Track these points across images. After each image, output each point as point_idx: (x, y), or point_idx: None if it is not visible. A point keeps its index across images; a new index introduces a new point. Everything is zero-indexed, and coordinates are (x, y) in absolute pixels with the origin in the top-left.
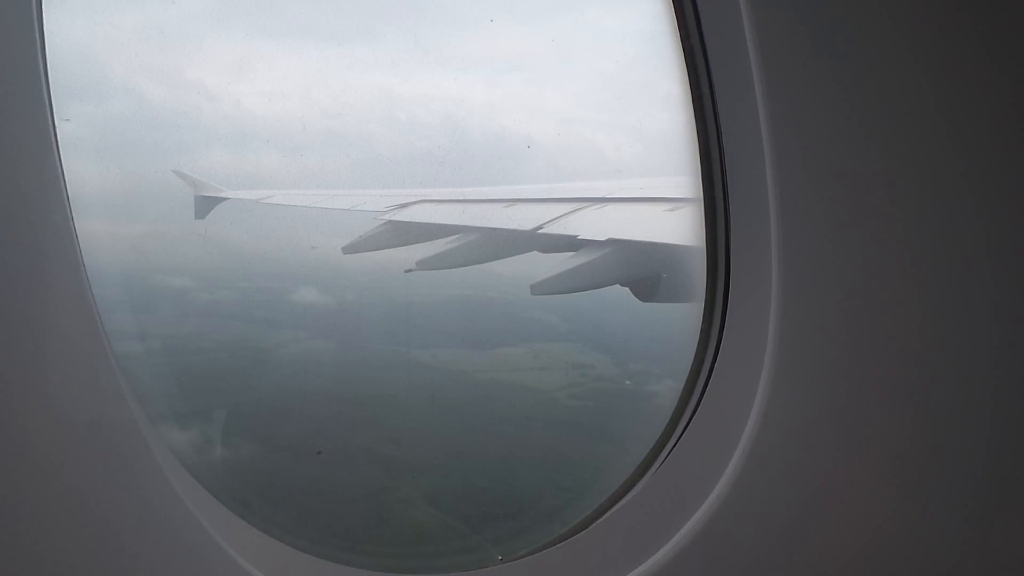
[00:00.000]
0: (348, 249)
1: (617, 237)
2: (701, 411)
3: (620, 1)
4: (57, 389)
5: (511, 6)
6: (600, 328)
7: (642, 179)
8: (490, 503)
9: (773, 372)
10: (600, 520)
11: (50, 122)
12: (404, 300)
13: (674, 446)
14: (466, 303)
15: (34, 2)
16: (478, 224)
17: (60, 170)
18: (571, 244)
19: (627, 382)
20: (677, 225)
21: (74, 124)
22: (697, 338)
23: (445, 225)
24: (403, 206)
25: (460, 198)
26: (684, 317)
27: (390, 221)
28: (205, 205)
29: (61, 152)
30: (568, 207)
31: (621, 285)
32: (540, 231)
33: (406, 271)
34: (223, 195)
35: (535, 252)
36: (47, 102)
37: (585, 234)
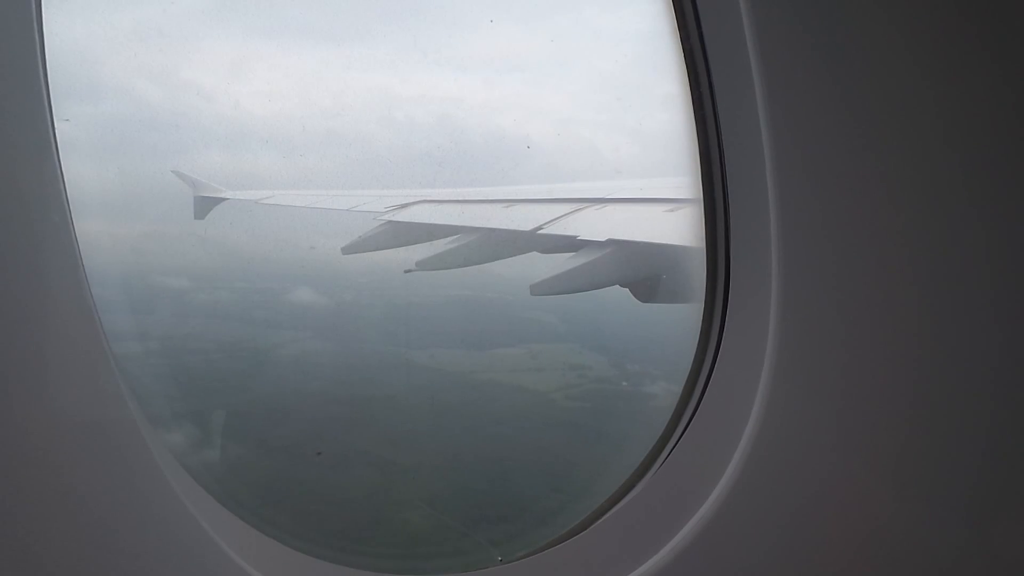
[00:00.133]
0: (348, 250)
1: (616, 238)
2: (701, 412)
3: (619, 1)
4: (56, 389)
5: (510, 5)
6: (598, 329)
7: (642, 180)
8: (485, 505)
9: (773, 372)
10: (600, 521)
11: (49, 122)
12: (403, 301)
13: (674, 447)
14: (465, 304)
15: (33, 2)
16: (478, 225)
17: (59, 170)
18: (571, 245)
19: (624, 383)
20: (677, 226)
21: (72, 124)
22: (696, 339)
23: (444, 226)
24: (402, 206)
25: (460, 198)
26: (682, 318)
27: (389, 221)
28: (204, 205)
29: (60, 152)
30: (568, 207)
31: (620, 286)
32: (540, 232)
33: (405, 272)
34: (222, 195)
35: (534, 253)
36: (46, 102)
37: (585, 235)
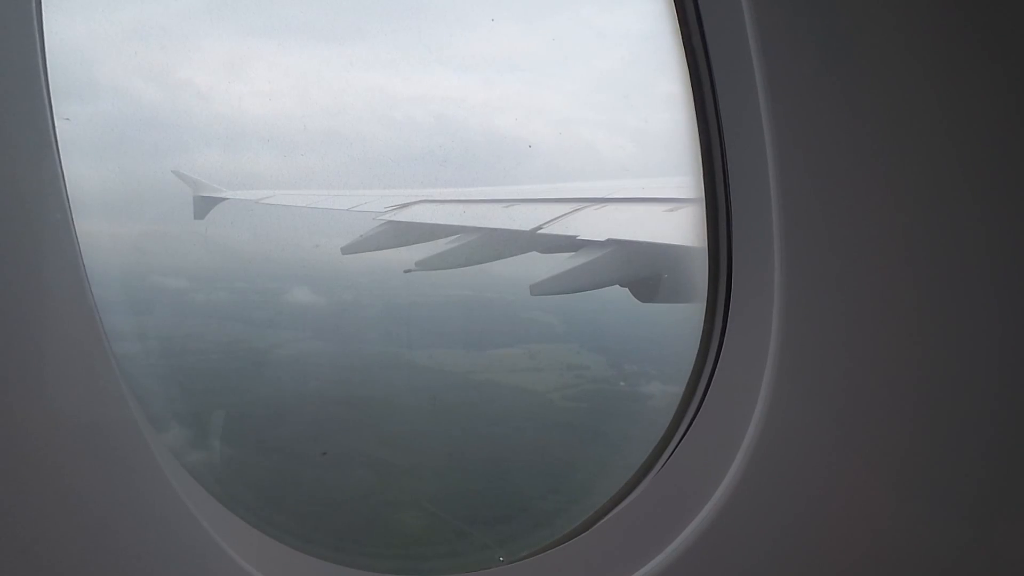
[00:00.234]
0: (347, 249)
1: (617, 237)
2: (703, 412)
3: (620, 0)
4: (57, 389)
5: (511, 4)
6: (597, 329)
7: (642, 180)
8: (480, 506)
9: (775, 373)
10: (602, 521)
11: (49, 121)
12: (401, 301)
13: (676, 447)
14: (465, 304)
15: (34, 0)
16: (478, 224)
17: (59, 169)
18: (570, 244)
19: (622, 383)
20: (677, 225)
21: (72, 123)
22: (694, 338)
23: (445, 225)
24: (402, 206)
25: (460, 198)
26: (682, 318)
27: (390, 221)
28: (204, 205)
29: (60, 151)
30: (568, 207)
31: (620, 286)
32: (539, 231)
33: (405, 271)
34: (222, 195)
35: (534, 252)
36: (46, 101)
37: (585, 234)
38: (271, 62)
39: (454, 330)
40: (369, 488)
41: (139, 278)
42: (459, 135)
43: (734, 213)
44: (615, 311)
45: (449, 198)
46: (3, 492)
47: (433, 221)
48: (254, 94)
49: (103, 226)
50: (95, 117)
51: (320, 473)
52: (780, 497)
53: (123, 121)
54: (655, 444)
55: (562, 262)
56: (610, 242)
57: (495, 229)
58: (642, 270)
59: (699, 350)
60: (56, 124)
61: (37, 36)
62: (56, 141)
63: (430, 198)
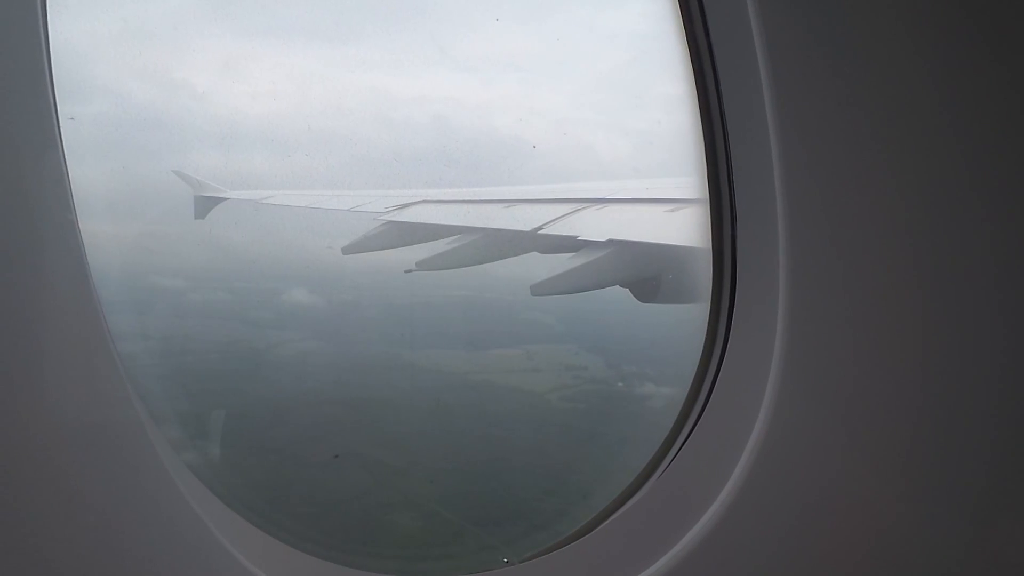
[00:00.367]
0: (348, 249)
1: (617, 238)
2: (708, 414)
3: (625, 1)
4: (61, 390)
5: (514, 5)
6: (596, 330)
7: (643, 180)
8: (475, 508)
9: (780, 375)
10: (606, 523)
11: (54, 120)
12: (400, 301)
13: (680, 449)
14: (464, 304)
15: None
16: (478, 225)
17: (64, 169)
18: (571, 245)
19: (619, 384)
20: (678, 226)
21: (74, 123)
22: (694, 338)
23: (445, 226)
24: (403, 206)
25: (460, 199)
26: (682, 319)
27: (390, 221)
28: (205, 205)
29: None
30: (568, 208)
31: (621, 286)
32: (540, 232)
33: (406, 271)
34: (223, 195)
35: (535, 253)
36: (51, 100)
37: (585, 235)
38: (273, 62)
39: (453, 331)
40: (364, 489)
41: (140, 278)
42: (460, 135)
43: (739, 214)
44: (615, 311)
45: (450, 198)
46: (8, 491)
47: (434, 221)
48: (256, 94)
49: (104, 226)
50: (95, 117)
51: (314, 473)
52: (785, 499)
53: (124, 121)
54: (652, 445)
55: (563, 262)
56: (611, 242)
57: (496, 229)
58: (643, 270)
59: (703, 351)
60: (61, 123)
61: (42, 36)
62: (61, 141)
63: (431, 198)
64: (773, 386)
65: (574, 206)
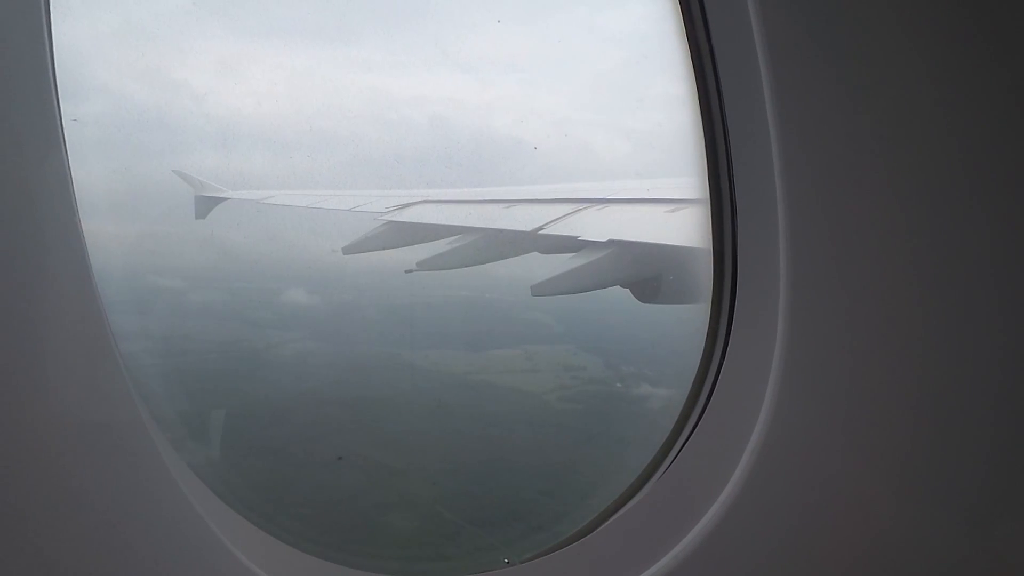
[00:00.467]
0: (349, 249)
1: (618, 238)
2: (708, 415)
3: (626, 1)
4: (64, 389)
5: (515, 5)
6: (596, 330)
7: (644, 180)
8: (470, 509)
9: (781, 376)
10: (607, 524)
11: (58, 121)
12: (401, 301)
13: (681, 450)
14: (464, 304)
15: (42, 1)
16: (479, 225)
17: (67, 170)
18: (572, 245)
19: (618, 384)
20: (678, 226)
21: (76, 124)
22: (694, 339)
23: (446, 226)
24: (404, 206)
25: (461, 199)
26: (681, 319)
27: (391, 221)
28: (206, 205)
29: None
30: (569, 208)
31: (622, 286)
32: (541, 232)
33: (406, 271)
34: (224, 195)
35: (535, 253)
36: (55, 101)
37: (586, 235)
38: (274, 63)
39: (453, 331)
40: (359, 490)
41: (141, 278)
42: (460, 136)
43: (739, 215)
44: (615, 312)
45: (450, 198)
46: (9, 490)
47: (434, 221)
48: (256, 94)
49: (105, 226)
50: (97, 117)
51: (310, 473)
52: (785, 500)
53: (126, 121)
54: (650, 445)
55: (563, 263)
56: (611, 243)
57: (496, 230)
58: (643, 271)
59: (704, 352)
60: (64, 125)
61: (46, 38)
62: (64, 142)
63: (432, 198)
64: (774, 386)
65: (575, 206)
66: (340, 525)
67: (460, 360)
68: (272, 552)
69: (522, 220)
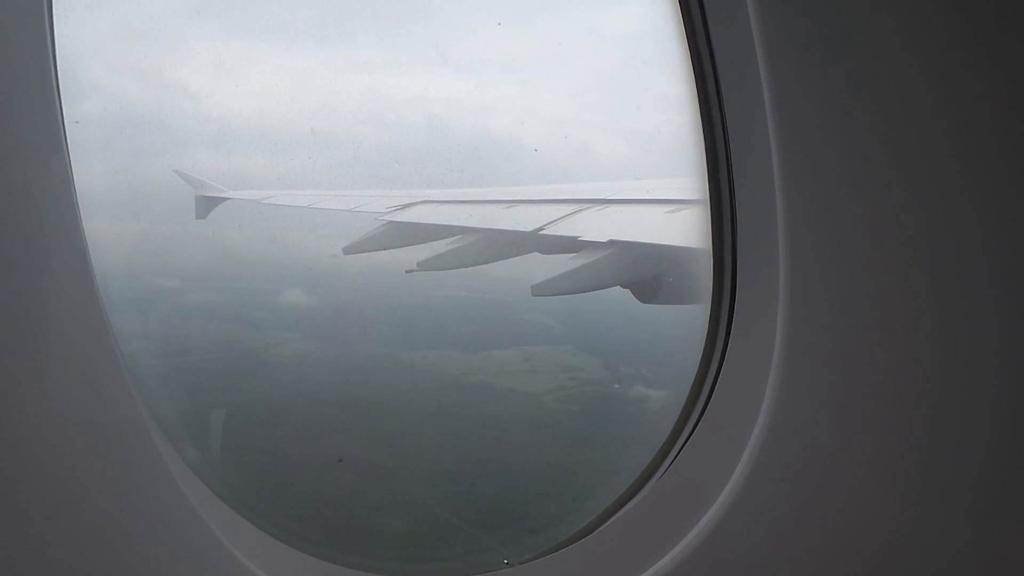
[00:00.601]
0: (349, 250)
1: (618, 239)
2: (708, 415)
3: (625, 2)
4: (65, 389)
5: (515, 7)
6: (595, 331)
7: (644, 181)
8: (465, 510)
9: (780, 376)
10: (606, 524)
11: (60, 121)
12: (400, 302)
13: (681, 450)
14: (464, 305)
15: (45, 2)
16: (479, 225)
17: (69, 171)
18: (572, 245)
19: (615, 385)
20: (679, 227)
21: (78, 124)
22: (693, 339)
23: (446, 226)
24: (404, 207)
25: (461, 199)
26: (681, 319)
27: (391, 222)
28: (206, 205)
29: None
30: (569, 208)
31: (622, 287)
32: (541, 232)
33: (407, 272)
34: (224, 195)
35: (536, 253)
36: (57, 102)
37: (586, 236)
38: (274, 64)
39: (452, 332)
40: (353, 491)
41: (141, 278)
42: (459, 136)
43: (739, 216)
44: (615, 312)
45: (451, 199)
46: (10, 490)
47: (435, 222)
48: (256, 95)
49: (106, 226)
50: (97, 118)
51: (305, 474)
52: (784, 500)
53: (127, 122)
54: (647, 446)
55: (564, 263)
56: (611, 243)
57: (497, 230)
58: (644, 271)
59: (703, 353)
60: (66, 127)
61: (48, 39)
62: (66, 143)
63: (432, 199)
64: (773, 387)
65: (575, 207)
66: (335, 525)
67: (458, 361)
68: (271, 552)
69: (523, 220)
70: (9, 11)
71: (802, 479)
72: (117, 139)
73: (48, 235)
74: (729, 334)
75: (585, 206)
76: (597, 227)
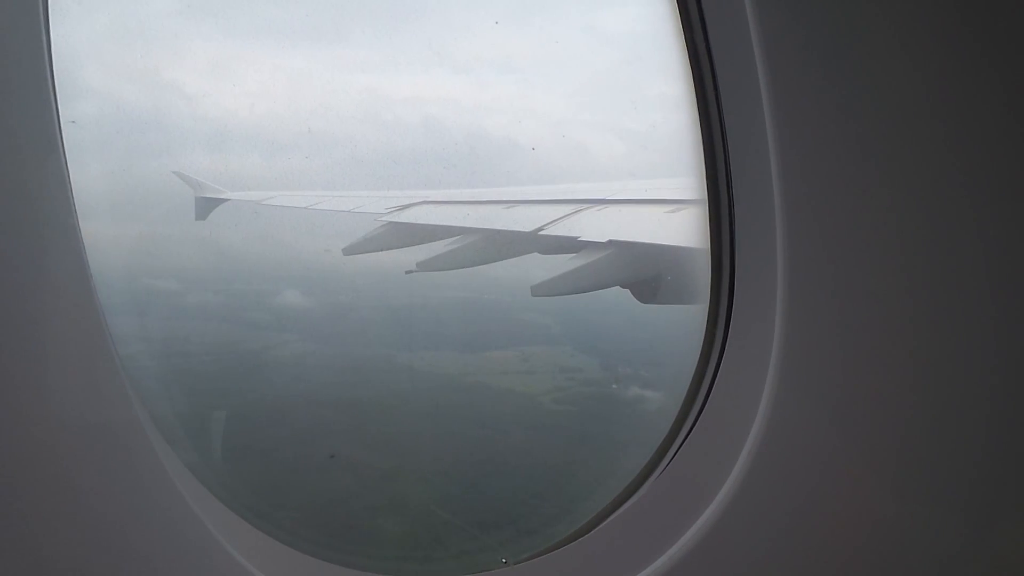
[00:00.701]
0: (348, 250)
1: (617, 239)
2: (706, 415)
3: (623, 2)
4: (62, 390)
5: (511, 5)
6: (593, 331)
7: (643, 181)
8: (460, 511)
9: (778, 375)
10: (605, 523)
11: (56, 122)
12: (399, 303)
13: (679, 449)
14: (463, 305)
15: (41, 2)
16: (479, 226)
17: (66, 171)
18: (572, 246)
19: (613, 386)
20: (678, 227)
21: (74, 125)
22: (694, 339)
23: (446, 226)
24: (404, 207)
25: (461, 199)
26: (681, 319)
27: (391, 222)
28: (206, 206)
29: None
30: (569, 209)
31: (622, 287)
32: (541, 232)
33: (407, 272)
34: (224, 196)
35: (535, 253)
36: (53, 103)
37: (585, 236)
38: (272, 64)
39: (450, 332)
40: (348, 492)
41: (140, 280)
42: (457, 136)
43: (737, 216)
44: (614, 312)
45: (450, 199)
46: (8, 491)
47: (434, 222)
48: (256, 95)
49: (104, 228)
50: (96, 119)
51: (302, 475)
52: (782, 499)
53: (126, 123)
54: (644, 447)
55: (563, 263)
56: (611, 243)
57: (496, 230)
58: (643, 271)
59: (702, 352)
60: (62, 127)
61: (44, 40)
62: (62, 144)
63: (431, 199)
64: (771, 387)
65: (574, 207)
66: (332, 526)
67: (456, 361)
68: (269, 551)
69: (522, 221)
70: (5, 11)
71: (800, 478)
72: (114, 139)
73: (44, 235)
74: (727, 333)
75: (584, 206)
76: (596, 227)
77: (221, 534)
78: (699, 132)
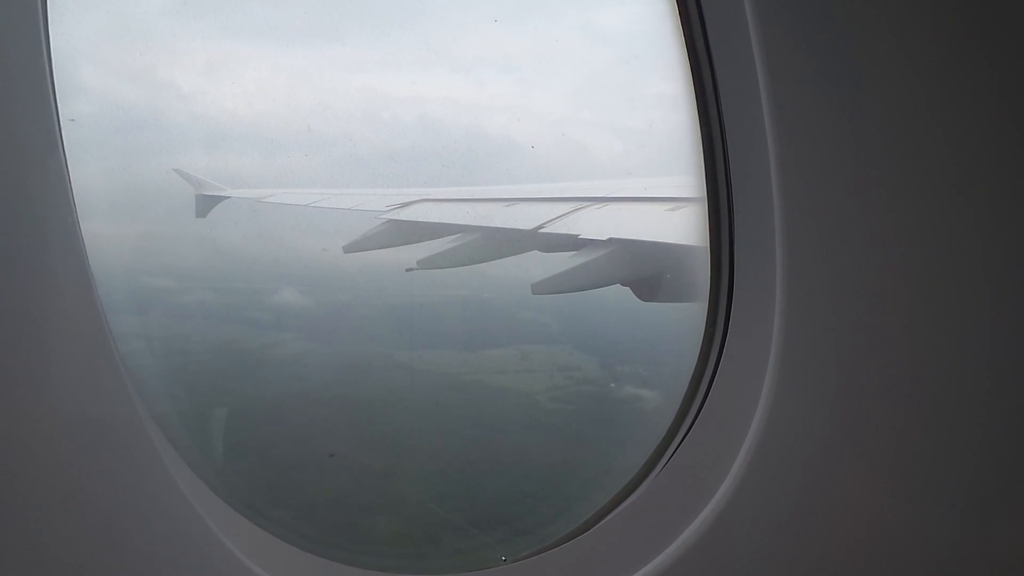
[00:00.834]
0: (349, 248)
1: (618, 236)
2: (705, 413)
3: (623, 1)
4: (63, 388)
5: (510, 4)
6: (593, 330)
7: (643, 179)
8: (457, 511)
9: (777, 374)
10: (603, 521)
11: (55, 121)
12: (399, 301)
13: (678, 448)
14: (461, 303)
15: (39, 1)
16: (479, 223)
17: (66, 170)
18: (572, 243)
19: (611, 384)
20: (678, 225)
21: (74, 124)
22: (693, 337)
23: (446, 224)
24: (404, 205)
25: (461, 197)
26: (681, 318)
27: (391, 220)
28: (206, 204)
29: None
30: (569, 206)
31: (622, 285)
32: (541, 230)
33: (407, 270)
34: (224, 194)
35: (536, 251)
36: (52, 102)
37: (586, 233)
38: (272, 63)
39: (449, 331)
40: (343, 491)
41: (142, 277)
42: (456, 135)
43: (736, 214)
44: (613, 311)
45: (450, 197)
46: (8, 488)
47: (434, 220)
48: (255, 94)
49: (105, 226)
50: (96, 117)
51: (301, 473)
52: (781, 498)
53: (125, 122)
54: (641, 447)
55: (564, 261)
56: (611, 241)
57: (496, 228)
58: (643, 269)
59: (701, 351)
60: (62, 125)
61: (43, 38)
62: (62, 142)
63: (431, 197)
64: (770, 386)
65: (574, 205)
66: (330, 523)
67: (455, 360)
68: (269, 549)
69: (522, 219)
70: (5, 11)
71: (799, 477)
72: (113, 138)
73: (44, 233)
74: (726, 331)
75: (584, 204)
76: (596, 225)
77: (220, 530)
78: (698, 130)
